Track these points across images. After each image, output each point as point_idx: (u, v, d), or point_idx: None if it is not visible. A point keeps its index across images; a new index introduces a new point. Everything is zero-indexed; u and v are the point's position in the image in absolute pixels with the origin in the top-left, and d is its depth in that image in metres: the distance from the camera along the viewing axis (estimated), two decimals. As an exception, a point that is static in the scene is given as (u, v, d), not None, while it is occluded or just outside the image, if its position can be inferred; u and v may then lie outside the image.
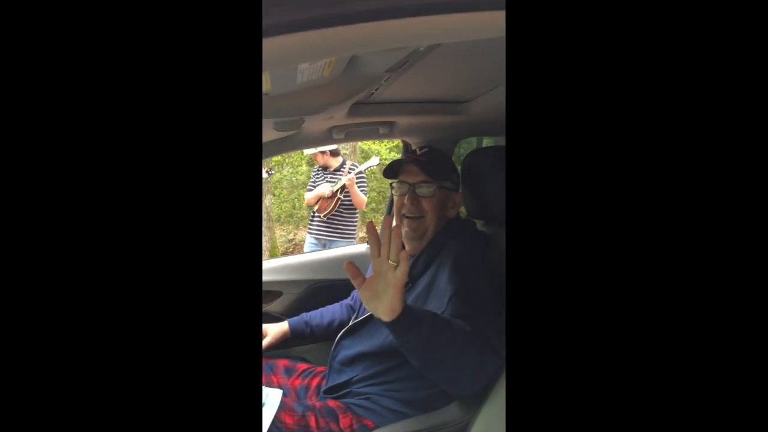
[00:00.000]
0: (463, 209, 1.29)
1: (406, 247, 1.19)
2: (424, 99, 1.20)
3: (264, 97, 0.69)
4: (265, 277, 1.52)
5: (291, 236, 6.88)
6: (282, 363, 1.25)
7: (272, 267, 1.56)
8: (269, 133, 1.13)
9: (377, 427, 0.92)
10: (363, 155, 3.14)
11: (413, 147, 1.50)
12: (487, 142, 1.65)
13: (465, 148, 1.56)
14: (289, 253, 6.24)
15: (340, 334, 1.16)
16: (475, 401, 0.86)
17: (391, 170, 1.19)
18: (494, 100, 1.17)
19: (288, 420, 0.98)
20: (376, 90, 1.02)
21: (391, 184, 1.22)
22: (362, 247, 1.68)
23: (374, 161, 2.98)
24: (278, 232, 6.65)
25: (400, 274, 0.79)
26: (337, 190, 2.91)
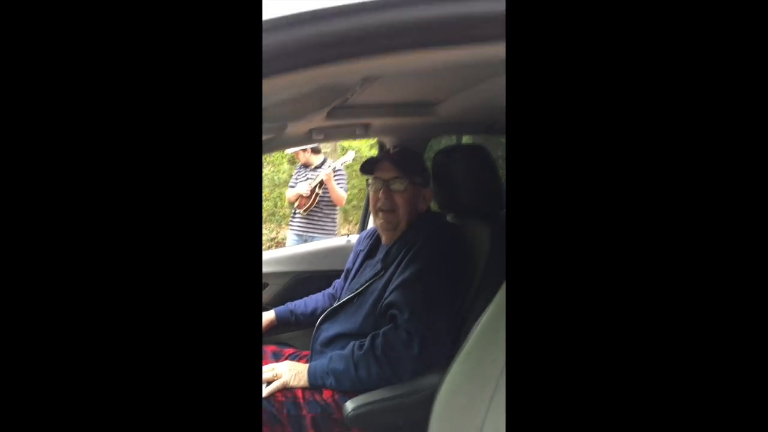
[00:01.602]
0: (433, 203, 1.41)
1: (382, 238, 1.30)
2: (396, 102, 1.30)
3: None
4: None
5: (273, 234, 6.91)
6: (270, 348, 1.35)
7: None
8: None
9: (356, 395, 1.03)
10: (343, 152, 3.21)
11: (387, 146, 1.61)
12: (466, 140, 1.76)
13: (436, 146, 1.67)
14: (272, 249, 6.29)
15: (320, 319, 1.27)
16: (442, 370, 0.98)
17: (366, 167, 1.30)
18: (463, 101, 1.28)
19: (279, 396, 1.08)
20: (351, 95, 1.12)
21: (367, 180, 1.32)
22: (342, 240, 1.78)
23: (350, 156, 3.06)
24: (263, 230, 6.68)
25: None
26: (315, 186, 2.99)
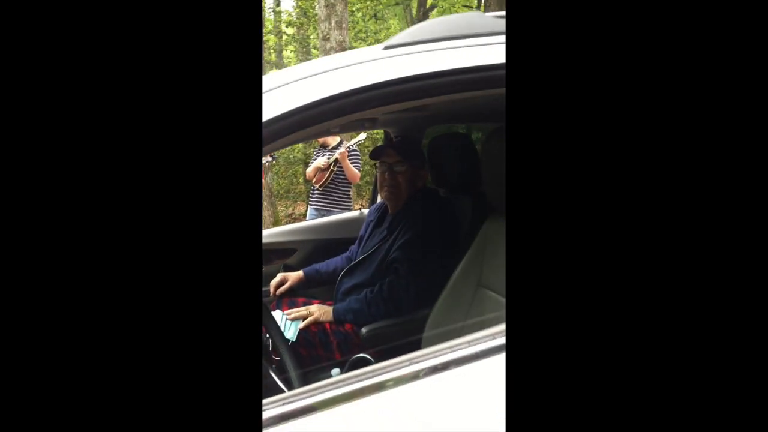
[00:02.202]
0: (429, 181, 1.76)
1: (388, 208, 1.65)
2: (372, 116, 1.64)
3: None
4: (284, 238, 1.99)
5: (290, 210, 7.31)
6: (301, 300, 1.73)
7: (289, 230, 2.03)
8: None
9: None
10: (357, 133, 3.51)
11: (391, 135, 1.95)
12: (461, 129, 2.10)
13: (431, 134, 2.01)
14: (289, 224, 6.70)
15: (340, 275, 1.64)
16: (431, 304, 1.35)
17: (374, 154, 1.65)
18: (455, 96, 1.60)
19: (312, 328, 1.47)
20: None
21: (375, 164, 1.66)
22: (356, 213, 2.15)
23: (362, 136, 3.32)
24: (279, 207, 7.08)
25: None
26: (331, 163, 3.27)
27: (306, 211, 3.94)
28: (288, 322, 1.48)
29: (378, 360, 1.33)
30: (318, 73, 0.73)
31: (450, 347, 0.69)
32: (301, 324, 1.47)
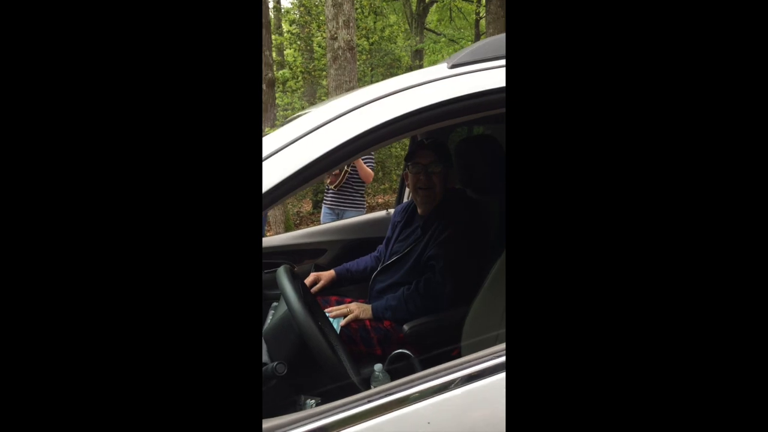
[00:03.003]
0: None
1: (419, 210, 1.72)
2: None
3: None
4: (314, 239, 2.05)
5: (296, 209, 7.38)
6: (333, 298, 1.80)
7: (318, 231, 2.09)
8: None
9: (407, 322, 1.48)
10: None
11: (419, 137, 2.00)
12: (476, 130, 2.16)
13: (455, 137, 2.07)
14: (298, 224, 6.77)
15: (374, 274, 1.70)
16: (469, 302, 1.41)
17: (409, 155, 1.71)
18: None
19: (353, 325, 1.54)
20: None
21: (407, 164, 1.73)
22: (382, 213, 2.21)
23: None
24: (288, 206, 7.13)
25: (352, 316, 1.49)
26: (344, 164, 3.34)
27: (312, 209, 3.97)
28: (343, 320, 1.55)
29: (418, 354, 1.41)
30: (389, 94, 0.79)
31: (483, 356, 0.71)
32: (343, 321, 1.53)
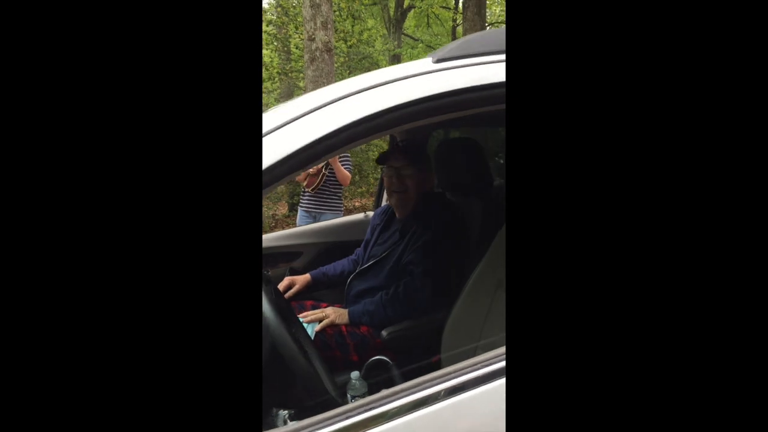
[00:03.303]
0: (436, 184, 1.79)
1: (397, 214, 1.68)
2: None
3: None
4: (289, 242, 1.99)
5: (272, 212, 7.25)
6: (309, 303, 1.73)
7: (294, 233, 2.03)
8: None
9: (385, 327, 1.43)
10: None
11: (397, 139, 1.97)
12: (453, 133, 2.14)
13: (433, 141, 2.04)
14: (274, 227, 6.65)
15: (351, 277, 1.65)
16: (448, 306, 1.38)
17: (381, 158, 1.67)
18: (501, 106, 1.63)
19: (328, 330, 1.48)
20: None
21: (381, 168, 1.69)
22: (360, 216, 2.16)
23: None
24: (263, 208, 7.00)
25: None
26: (322, 167, 3.25)
27: (288, 212, 3.89)
28: (304, 325, 1.49)
29: (397, 361, 1.37)
30: (371, 87, 0.74)
31: (469, 366, 0.68)
32: (318, 326, 1.48)
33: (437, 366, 1.41)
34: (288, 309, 1.29)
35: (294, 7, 7.60)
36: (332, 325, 1.49)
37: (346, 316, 1.50)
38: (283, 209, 7.05)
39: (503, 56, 0.78)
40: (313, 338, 1.45)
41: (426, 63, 0.79)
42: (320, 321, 1.49)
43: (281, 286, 1.76)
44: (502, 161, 2.67)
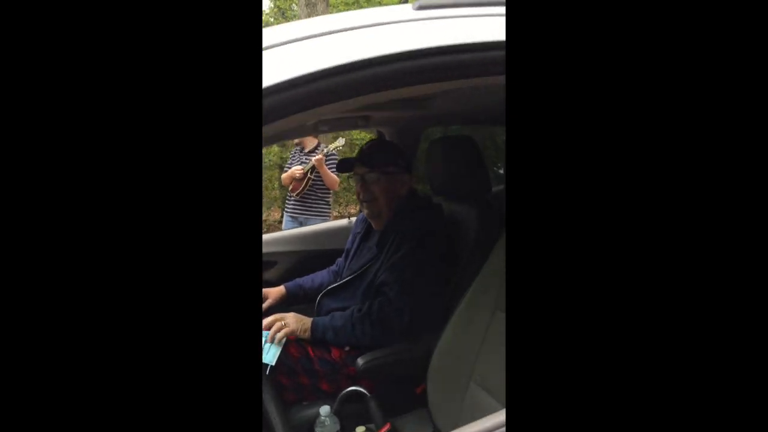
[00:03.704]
0: (426, 187, 1.58)
1: (374, 225, 1.46)
2: (392, 98, 1.46)
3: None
4: (263, 249, 1.77)
5: (264, 216, 7.04)
6: (282, 319, 1.52)
7: (268, 240, 1.81)
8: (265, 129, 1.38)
9: (361, 354, 1.20)
10: (335, 138, 3.32)
11: (386, 135, 1.76)
12: (453, 131, 1.93)
13: (431, 135, 1.83)
14: (264, 232, 6.43)
15: (320, 295, 1.43)
16: (437, 330, 1.16)
17: (341, 166, 1.46)
18: (453, 95, 1.43)
19: (293, 351, 1.25)
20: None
21: (348, 177, 1.48)
22: (344, 222, 1.95)
23: (340, 142, 3.18)
24: (252, 213, 6.79)
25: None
26: (307, 171, 3.07)
27: (281, 218, 3.73)
28: (266, 345, 1.26)
29: (375, 392, 1.15)
30: (330, 32, 0.54)
31: None
32: (278, 336, 1.24)
33: (422, 398, 1.20)
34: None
35: (291, 9, 7.47)
36: (297, 347, 1.27)
37: (309, 327, 1.27)
38: (276, 214, 6.84)
39: (503, 9, 0.58)
40: (273, 363, 1.23)
41: (405, 9, 0.58)
42: (279, 330, 1.25)
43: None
44: (501, 171, 2.46)
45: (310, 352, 1.26)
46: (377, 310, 1.24)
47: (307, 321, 1.28)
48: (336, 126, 1.58)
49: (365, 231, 1.51)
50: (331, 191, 3.26)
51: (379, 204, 1.37)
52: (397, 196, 1.39)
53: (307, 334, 1.26)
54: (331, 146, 3.12)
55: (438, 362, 1.13)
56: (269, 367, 1.22)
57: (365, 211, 1.42)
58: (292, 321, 1.26)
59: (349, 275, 1.39)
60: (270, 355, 1.23)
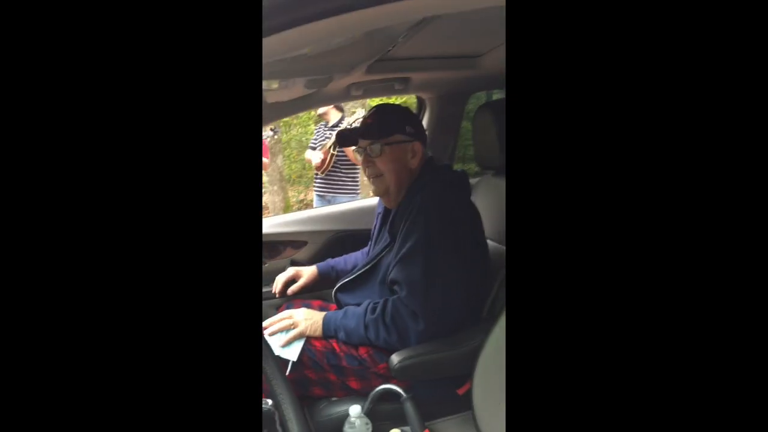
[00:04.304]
0: (473, 165, 1.39)
1: (385, 205, 1.26)
2: (437, 55, 1.27)
3: (302, 57, 0.78)
4: (292, 228, 1.64)
5: (301, 197, 7.00)
6: (316, 303, 1.38)
7: (298, 219, 1.68)
8: (294, 91, 1.22)
9: (390, 353, 1.05)
10: (354, 111, 3.17)
11: (425, 102, 1.58)
12: (496, 95, 1.72)
13: (475, 102, 1.63)
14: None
15: (335, 290, 1.26)
16: (486, 326, 1.00)
17: (340, 138, 1.22)
18: (503, 54, 1.24)
19: (317, 344, 1.12)
20: (392, 47, 1.09)
21: (354, 150, 1.28)
22: (375, 200, 1.79)
23: (360, 113, 3.04)
24: (290, 193, 6.78)
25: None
26: (330, 147, 2.97)
27: (317, 197, 3.66)
28: (285, 337, 1.13)
29: (412, 393, 1.00)
30: None
31: None
32: (286, 337, 1.11)
33: (465, 400, 1.04)
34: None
35: None
36: (319, 340, 1.13)
37: (320, 327, 1.12)
38: (311, 194, 6.79)
39: None
40: (296, 359, 1.10)
41: None
42: (287, 331, 1.12)
43: (283, 279, 1.40)
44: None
45: (336, 347, 1.12)
46: (391, 312, 1.06)
47: (318, 319, 1.13)
48: (371, 90, 1.40)
49: (384, 211, 1.29)
50: (359, 167, 3.14)
51: (386, 180, 1.16)
52: (405, 169, 1.17)
53: (318, 333, 1.12)
54: (351, 119, 2.98)
55: (488, 361, 0.96)
56: (291, 362, 1.09)
57: (373, 189, 1.23)
58: (302, 320, 1.12)
59: (361, 268, 1.21)
60: (294, 350, 1.11)
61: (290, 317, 1.13)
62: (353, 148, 1.26)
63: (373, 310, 1.09)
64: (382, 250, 1.17)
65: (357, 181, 3.18)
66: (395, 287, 1.09)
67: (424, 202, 1.08)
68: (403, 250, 1.07)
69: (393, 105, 1.27)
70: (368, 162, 1.18)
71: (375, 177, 1.18)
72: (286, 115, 1.42)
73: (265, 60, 0.48)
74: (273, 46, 0.49)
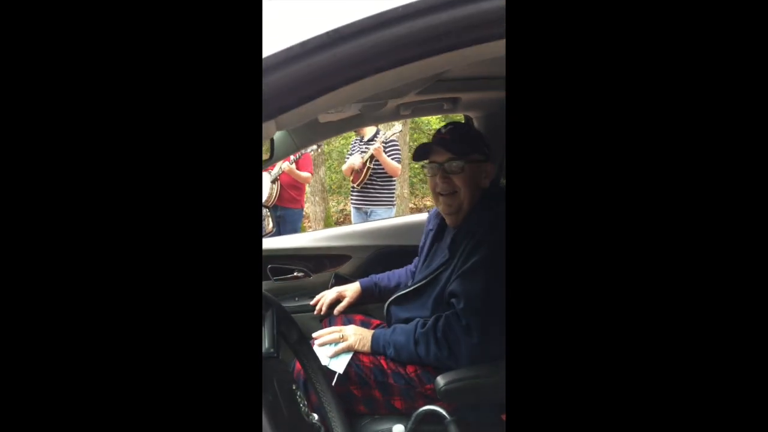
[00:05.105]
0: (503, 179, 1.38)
1: (448, 222, 1.26)
2: (487, 75, 1.27)
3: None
4: (335, 243, 1.67)
5: (341, 207, 7.09)
6: (358, 318, 1.39)
7: (341, 233, 1.71)
8: (347, 113, 1.25)
9: (438, 373, 1.04)
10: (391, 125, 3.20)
11: (473, 121, 1.58)
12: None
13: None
14: (341, 222, 6.46)
15: (389, 302, 1.27)
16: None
17: (418, 154, 1.23)
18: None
19: (365, 360, 1.13)
20: (446, 70, 1.10)
21: (422, 166, 1.28)
22: (423, 216, 1.79)
23: (397, 128, 3.06)
24: (331, 203, 6.87)
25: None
26: (366, 160, 3.01)
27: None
28: (333, 349, 1.15)
29: (455, 417, 0.99)
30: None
31: None
32: (334, 349, 1.13)
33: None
34: (299, 341, 0.95)
35: None
36: (368, 355, 1.14)
37: (369, 342, 1.13)
38: (350, 206, 6.87)
39: None
40: (342, 371, 1.11)
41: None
42: (337, 344, 1.14)
43: (328, 300, 1.43)
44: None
45: (384, 364, 1.13)
46: (443, 327, 1.06)
47: (368, 335, 1.15)
48: (419, 110, 1.42)
49: (438, 229, 1.31)
50: (395, 179, 3.15)
51: (460, 198, 1.17)
52: (478, 189, 1.18)
53: (367, 348, 1.13)
54: (389, 132, 3.01)
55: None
56: (337, 374, 1.11)
57: (441, 207, 1.22)
58: (351, 335, 1.14)
59: (419, 281, 1.22)
60: (340, 363, 1.12)
61: (340, 331, 1.15)
62: (425, 163, 1.26)
63: (424, 325, 1.10)
64: (440, 266, 1.18)
65: (393, 194, 3.21)
66: (453, 300, 1.10)
67: (490, 222, 1.11)
68: (466, 266, 1.09)
69: (468, 124, 1.28)
70: (444, 178, 1.18)
71: (448, 194, 1.18)
72: (336, 134, 1.45)
73: (346, 103, 0.50)
74: (352, 92, 0.51)
